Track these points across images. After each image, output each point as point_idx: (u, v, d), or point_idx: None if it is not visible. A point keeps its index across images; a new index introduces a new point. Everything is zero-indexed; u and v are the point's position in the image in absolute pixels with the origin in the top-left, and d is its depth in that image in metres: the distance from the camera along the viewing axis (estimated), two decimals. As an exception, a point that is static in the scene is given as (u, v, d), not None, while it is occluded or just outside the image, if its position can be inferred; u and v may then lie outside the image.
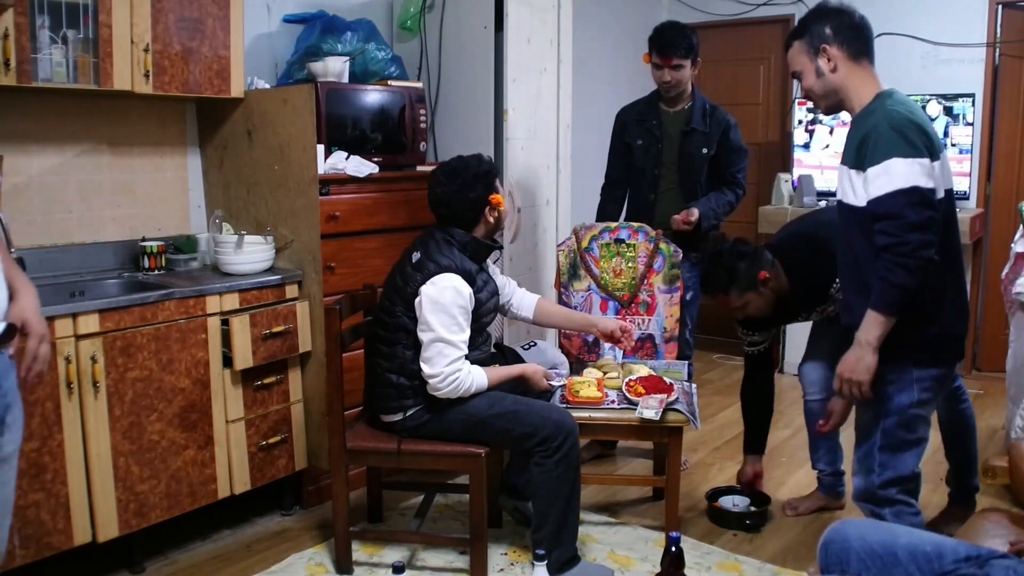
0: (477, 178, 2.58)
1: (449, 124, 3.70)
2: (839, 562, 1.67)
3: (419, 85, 3.47)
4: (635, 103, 3.52)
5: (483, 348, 2.72)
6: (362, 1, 3.75)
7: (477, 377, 2.52)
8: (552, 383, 2.70)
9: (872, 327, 2.02)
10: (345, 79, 3.20)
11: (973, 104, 4.61)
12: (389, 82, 3.34)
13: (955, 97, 4.62)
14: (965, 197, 4.66)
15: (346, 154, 3.04)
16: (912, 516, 2.18)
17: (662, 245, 3.16)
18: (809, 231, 2.88)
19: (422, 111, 3.36)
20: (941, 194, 2.02)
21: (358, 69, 3.31)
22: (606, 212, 3.55)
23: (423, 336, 2.48)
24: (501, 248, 2.75)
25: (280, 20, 3.45)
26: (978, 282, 4.92)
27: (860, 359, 2.06)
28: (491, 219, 2.62)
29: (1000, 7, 4.64)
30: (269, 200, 3.07)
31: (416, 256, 2.56)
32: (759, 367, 3.04)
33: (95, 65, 2.60)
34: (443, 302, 2.45)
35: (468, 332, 2.51)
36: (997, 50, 4.68)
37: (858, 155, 2.04)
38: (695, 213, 3.25)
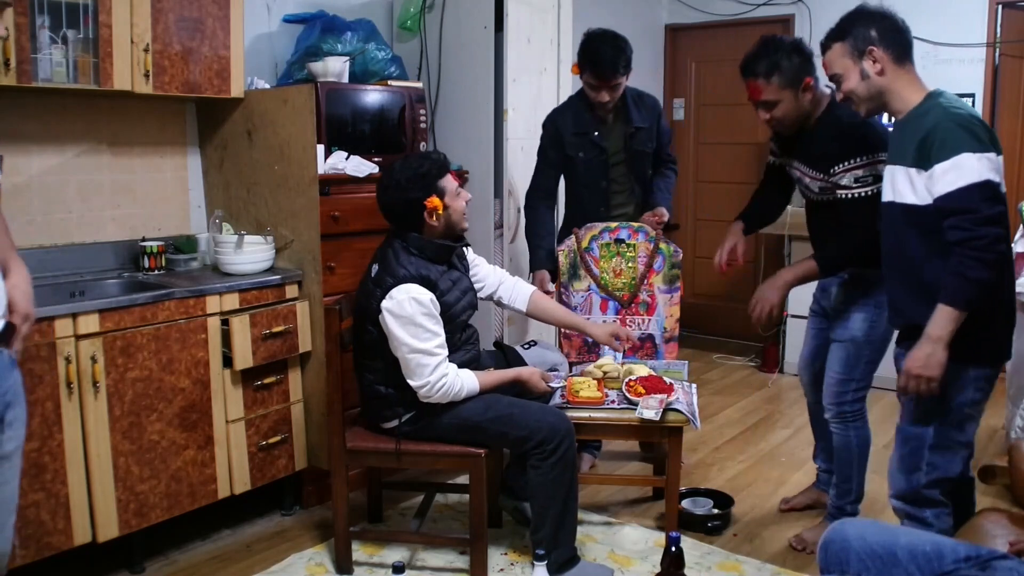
0: (412, 180, 2.49)
1: (449, 124, 3.70)
2: (839, 562, 1.67)
3: (419, 85, 3.47)
4: (564, 111, 3.25)
5: (467, 347, 2.67)
6: (362, 1, 3.75)
7: (467, 381, 2.50)
8: (552, 384, 2.70)
9: (944, 322, 1.98)
10: (345, 79, 3.20)
11: (973, 104, 4.61)
12: (389, 82, 3.34)
13: (955, 97, 4.62)
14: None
15: (346, 154, 3.04)
16: (949, 517, 2.17)
17: (662, 245, 3.16)
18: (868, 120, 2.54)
19: (422, 111, 3.36)
20: (1003, 189, 2.00)
21: (358, 69, 3.31)
22: (544, 227, 3.24)
23: (398, 353, 2.46)
24: (467, 245, 2.68)
25: (280, 20, 3.45)
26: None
27: (931, 355, 2.00)
28: (432, 222, 2.52)
29: (1000, 7, 4.64)
30: (269, 200, 3.07)
31: (375, 270, 2.53)
32: (775, 175, 2.94)
33: (95, 65, 2.60)
34: (405, 315, 2.42)
35: (442, 334, 2.48)
36: (997, 50, 4.68)
37: (919, 153, 2.02)
38: (665, 213, 3.21)
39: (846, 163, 2.54)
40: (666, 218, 3.21)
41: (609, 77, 3.05)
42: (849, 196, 2.57)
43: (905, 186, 2.07)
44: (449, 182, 2.56)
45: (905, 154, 2.07)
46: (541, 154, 3.29)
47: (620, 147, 3.23)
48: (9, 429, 1.79)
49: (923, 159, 2.01)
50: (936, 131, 1.99)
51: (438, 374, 2.45)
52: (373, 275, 2.53)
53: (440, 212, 2.51)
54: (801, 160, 2.70)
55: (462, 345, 2.64)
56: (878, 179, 2.44)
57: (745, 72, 2.64)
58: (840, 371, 2.71)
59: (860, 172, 2.53)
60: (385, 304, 2.44)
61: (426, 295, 2.44)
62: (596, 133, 3.19)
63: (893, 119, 2.22)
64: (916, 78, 2.14)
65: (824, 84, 2.54)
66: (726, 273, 2.99)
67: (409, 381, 2.47)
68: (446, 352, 2.49)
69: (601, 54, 3.04)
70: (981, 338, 2.06)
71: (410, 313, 2.42)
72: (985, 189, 1.93)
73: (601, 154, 3.21)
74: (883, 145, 2.43)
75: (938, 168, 1.97)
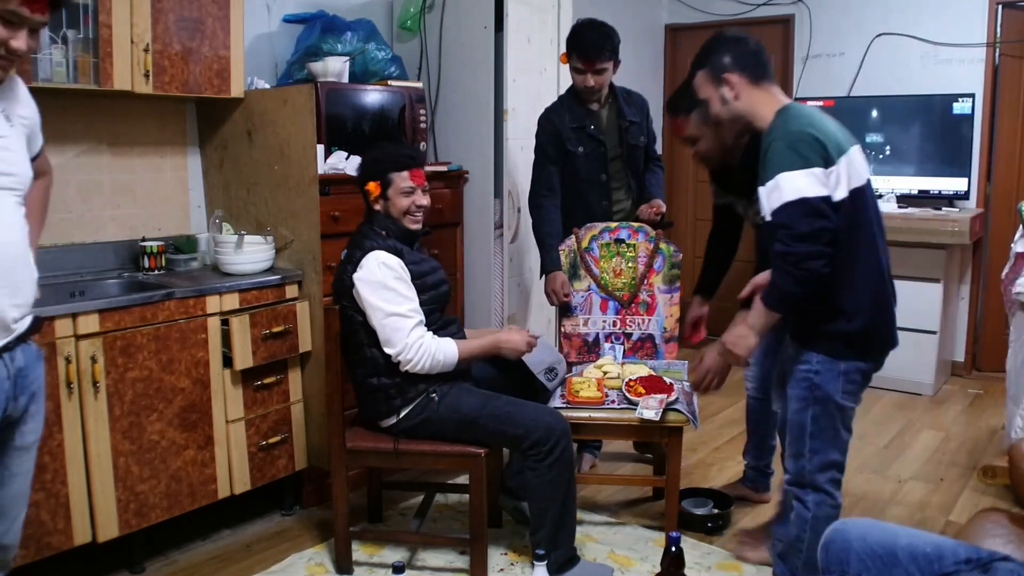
0: (367, 163, 2.62)
1: (449, 124, 3.70)
2: (839, 562, 1.67)
3: (419, 85, 3.47)
4: (558, 108, 3.23)
5: (450, 329, 2.66)
6: (362, 1, 3.75)
7: (445, 345, 2.52)
8: (533, 334, 2.70)
9: (759, 315, 2.15)
10: (345, 79, 3.20)
11: (973, 104, 4.61)
12: (389, 82, 3.34)
13: (955, 97, 4.62)
14: (965, 197, 4.66)
15: (346, 154, 3.04)
16: (831, 508, 2.24)
17: (662, 245, 3.16)
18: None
19: (422, 111, 3.36)
20: (843, 194, 2.06)
21: (358, 69, 3.31)
22: (552, 225, 3.17)
23: (373, 321, 2.49)
24: (426, 234, 2.71)
25: (280, 20, 3.44)
26: (978, 282, 4.92)
27: (743, 337, 2.19)
28: (374, 206, 2.59)
29: (1000, 7, 4.64)
30: (269, 200, 3.07)
31: (345, 253, 2.61)
32: (724, 218, 2.97)
33: (95, 65, 2.60)
34: (376, 280, 2.47)
35: (415, 301, 2.51)
36: (997, 50, 4.68)
37: (760, 170, 2.11)
38: (663, 205, 3.25)
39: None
40: (663, 209, 3.24)
41: (594, 59, 3.08)
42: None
43: (762, 201, 2.16)
44: (402, 179, 2.56)
45: (759, 170, 2.16)
46: (539, 151, 3.25)
47: (616, 141, 3.26)
48: (31, 421, 1.80)
49: (762, 176, 2.11)
50: (768, 151, 2.09)
51: (415, 335, 2.47)
52: (344, 256, 2.60)
53: (373, 197, 2.58)
54: (738, 194, 2.80)
55: (445, 327, 2.64)
56: None
57: (669, 110, 2.79)
58: None
59: None
60: (356, 275, 2.49)
61: (394, 260, 2.50)
62: (592, 127, 3.21)
63: None
64: (772, 95, 2.20)
65: None
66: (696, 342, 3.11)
67: (388, 350, 2.49)
68: (421, 317, 2.51)
69: (587, 38, 3.09)
70: (846, 333, 2.15)
71: (381, 278, 2.47)
72: (802, 206, 2.00)
73: (600, 147, 3.23)
74: None
75: (768, 186, 2.07)
